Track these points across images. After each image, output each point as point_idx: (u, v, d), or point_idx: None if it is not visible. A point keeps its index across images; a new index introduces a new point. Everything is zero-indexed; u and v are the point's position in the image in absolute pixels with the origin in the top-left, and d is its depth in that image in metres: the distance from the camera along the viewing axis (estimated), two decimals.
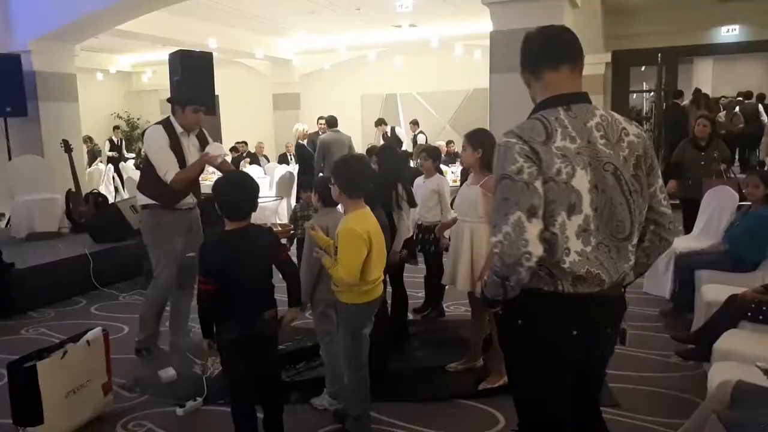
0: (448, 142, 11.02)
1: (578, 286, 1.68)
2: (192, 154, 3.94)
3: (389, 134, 11.46)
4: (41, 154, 7.73)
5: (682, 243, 5.13)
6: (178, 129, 3.90)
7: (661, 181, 1.82)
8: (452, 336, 4.29)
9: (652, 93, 12.31)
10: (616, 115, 1.78)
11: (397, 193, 3.99)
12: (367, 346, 2.93)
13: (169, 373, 3.65)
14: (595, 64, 11.33)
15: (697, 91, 11.15)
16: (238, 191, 2.63)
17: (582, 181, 1.64)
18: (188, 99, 3.98)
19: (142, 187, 3.96)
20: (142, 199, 3.94)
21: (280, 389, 2.91)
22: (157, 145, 3.85)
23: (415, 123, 11.93)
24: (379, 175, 3.98)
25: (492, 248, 1.65)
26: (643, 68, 12.94)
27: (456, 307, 4.91)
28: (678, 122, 10.35)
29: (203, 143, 4.05)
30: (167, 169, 3.79)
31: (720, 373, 2.61)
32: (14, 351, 3.92)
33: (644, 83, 13.58)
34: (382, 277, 2.96)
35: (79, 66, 8.75)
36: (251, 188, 2.67)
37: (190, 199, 4.03)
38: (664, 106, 10.89)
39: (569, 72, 1.78)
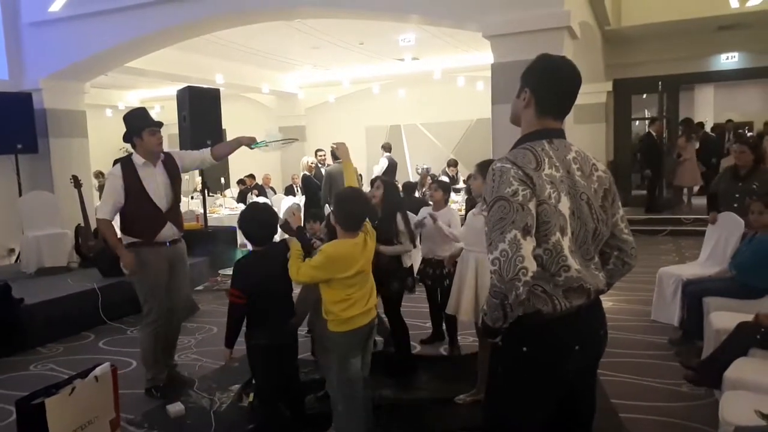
0: (451, 163, 11.05)
1: (571, 298, 1.80)
2: (157, 183, 3.90)
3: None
4: (51, 189, 7.84)
5: (689, 269, 5.12)
6: (139, 161, 3.88)
7: (622, 212, 1.98)
8: (461, 367, 4.26)
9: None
10: (587, 152, 1.95)
11: (396, 225, 4.01)
12: (358, 375, 2.96)
13: (177, 407, 3.64)
14: (597, 92, 11.45)
15: (686, 120, 11.26)
16: (262, 220, 3.07)
17: (565, 206, 1.78)
18: (139, 125, 3.87)
19: (122, 227, 3.92)
20: (125, 239, 3.90)
21: (301, 388, 3.35)
22: (108, 184, 3.89)
23: (383, 147, 11.41)
24: (383, 206, 4.03)
25: (490, 266, 1.71)
26: (644, 96, 13.05)
27: (464, 337, 4.88)
28: (651, 151, 10.51)
29: (172, 168, 4.00)
30: (100, 209, 3.84)
31: (731, 404, 2.59)
32: (23, 387, 3.94)
33: (646, 111, 13.67)
34: (371, 306, 2.98)
35: (88, 102, 8.91)
36: (271, 217, 3.12)
37: (171, 232, 3.97)
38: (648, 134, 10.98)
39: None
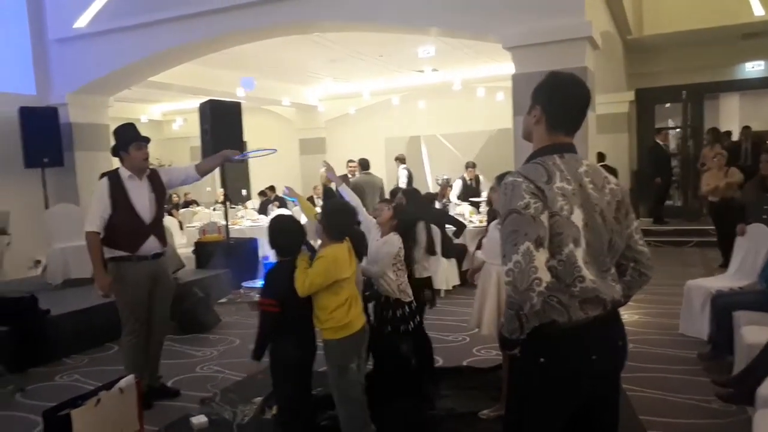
0: (469, 165, 10.41)
1: (586, 309, 1.81)
2: (143, 196, 3.95)
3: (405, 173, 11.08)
4: (77, 202, 7.97)
5: (718, 282, 5.02)
6: (125, 174, 3.93)
7: (636, 224, 2.00)
8: (483, 381, 4.21)
9: (678, 130, 12.22)
10: (598, 165, 1.99)
11: (415, 233, 3.99)
12: (357, 381, 3.05)
13: (200, 420, 3.65)
14: (619, 102, 11.34)
15: (712, 130, 11.08)
16: (289, 231, 3.14)
17: (578, 218, 1.80)
18: (127, 140, 3.93)
19: (106, 239, 3.91)
20: (108, 252, 3.92)
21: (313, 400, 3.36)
22: (95, 197, 3.93)
23: (398, 159, 11.41)
24: (405, 214, 4.00)
25: (504, 277, 1.75)
26: (667, 105, 12.89)
27: (487, 351, 4.84)
28: (660, 160, 10.42)
29: (157, 183, 4.05)
30: (88, 221, 3.86)
31: (766, 421, 2.51)
32: (49, 398, 3.99)
33: (669, 120, 13.50)
34: (361, 309, 3.12)
35: (112, 116, 9.06)
36: (298, 227, 3.17)
37: (154, 245, 4.01)
38: (679, 144, 10.86)
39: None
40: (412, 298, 3.70)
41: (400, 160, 11.33)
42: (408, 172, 11.09)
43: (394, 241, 3.58)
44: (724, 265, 7.18)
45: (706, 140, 10.83)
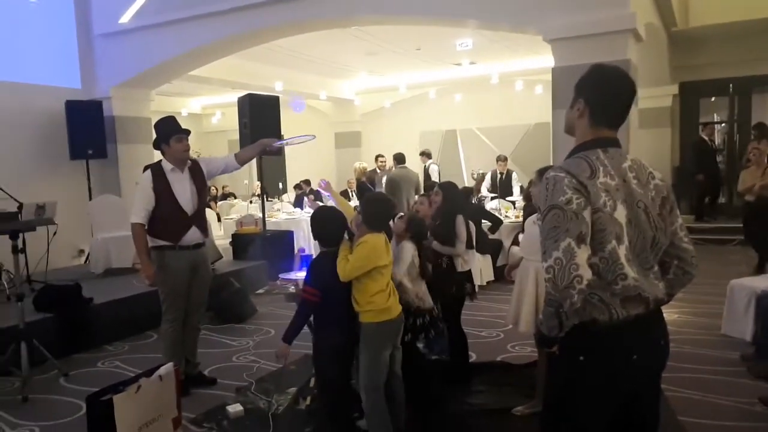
0: (500, 158, 10.10)
1: (628, 307, 1.78)
2: (184, 188, 4.02)
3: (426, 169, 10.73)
4: (119, 193, 8.19)
5: (764, 282, 4.86)
6: (168, 167, 4.01)
7: (681, 220, 1.95)
8: (517, 378, 4.17)
9: (724, 125, 11.84)
10: (643, 161, 1.94)
11: (454, 227, 3.97)
12: (386, 368, 3.08)
13: (236, 408, 3.71)
14: (662, 96, 11.04)
15: (760, 125, 10.68)
16: (332, 220, 3.19)
17: (621, 214, 1.77)
18: (167, 132, 4.00)
19: (150, 230, 3.99)
20: (152, 241, 4.01)
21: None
22: (139, 189, 4.01)
23: (425, 154, 10.91)
24: (442, 208, 4.02)
25: (544, 274, 1.73)
26: (713, 99, 12.50)
27: (522, 347, 4.79)
28: (702, 156, 10.14)
29: (198, 175, 4.11)
30: (134, 213, 3.93)
31: None
32: (91, 383, 4.12)
33: (715, 115, 13.08)
34: (397, 296, 3.14)
35: (153, 109, 9.27)
36: (340, 218, 3.23)
37: (196, 235, 4.08)
38: (698, 140, 10.57)
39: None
40: (433, 305, 3.52)
41: (427, 155, 10.97)
42: (437, 168, 10.92)
43: (408, 248, 3.43)
44: (760, 268, 6.96)
45: (753, 135, 10.47)
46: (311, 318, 3.18)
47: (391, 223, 3.55)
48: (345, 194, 11.48)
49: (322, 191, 3.79)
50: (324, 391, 3.20)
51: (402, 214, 3.68)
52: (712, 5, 9.51)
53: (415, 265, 3.42)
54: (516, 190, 9.81)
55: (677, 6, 9.02)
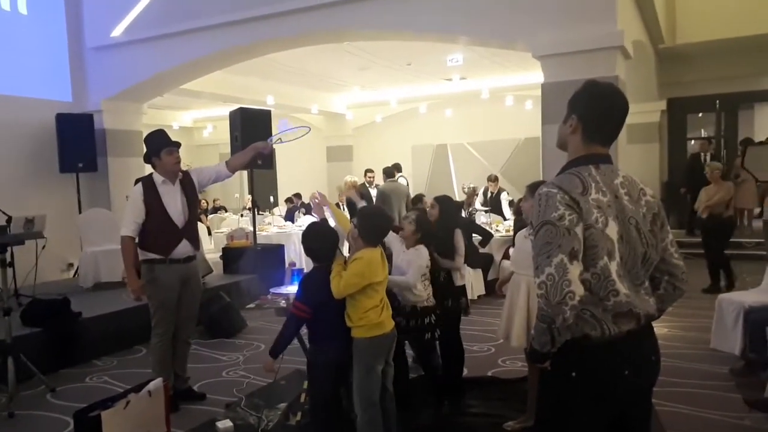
0: (491, 178, 10.12)
1: (620, 323, 1.79)
2: (175, 200, 4.01)
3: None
4: (109, 207, 8.15)
5: (751, 297, 4.89)
6: (159, 179, 4.00)
7: (671, 236, 1.95)
8: (508, 392, 4.17)
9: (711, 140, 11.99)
10: (635, 177, 1.94)
11: (453, 241, 3.98)
12: (379, 383, 3.06)
13: (226, 424, 3.68)
14: (650, 111, 11.18)
15: (746, 141, 10.83)
16: (324, 237, 3.16)
17: (613, 231, 1.77)
18: (158, 146, 4.00)
19: (140, 243, 3.99)
20: (142, 254, 4.00)
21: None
22: (129, 202, 4.00)
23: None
24: (440, 222, 4.03)
25: (537, 290, 1.73)
26: (700, 115, 12.67)
27: (512, 362, 4.79)
28: (690, 170, 10.21)
29: (189, 187, 4.10)
30: (124, 225, 3.94)
31: None
32: (79, 399, 4.08)
33: (702, 130, 13.25)
34: (390, 313, 3.13)
35: (144, 123, 9.24)
36: (332, 234, 3.19)
37: (187, 248, 4.07)
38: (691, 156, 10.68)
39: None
40: (436, 304, 3.70)
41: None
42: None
43: (423, 252, 3.57)
44: (710, 290, 6.83)
45: (740, 151, 10.61)
46: (306, 334, 3.16)
47: (392, 234, 3.61)
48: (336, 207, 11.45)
49: (315, 204, 3.75)
50: (316, 408, 3.16)
51: (407, 215, 3.74)
52: (698, 23, 9.67)
53: (427, 268, 3.51)
54: (507, 211, 9.74)
55: (664, 24, 9.16)
